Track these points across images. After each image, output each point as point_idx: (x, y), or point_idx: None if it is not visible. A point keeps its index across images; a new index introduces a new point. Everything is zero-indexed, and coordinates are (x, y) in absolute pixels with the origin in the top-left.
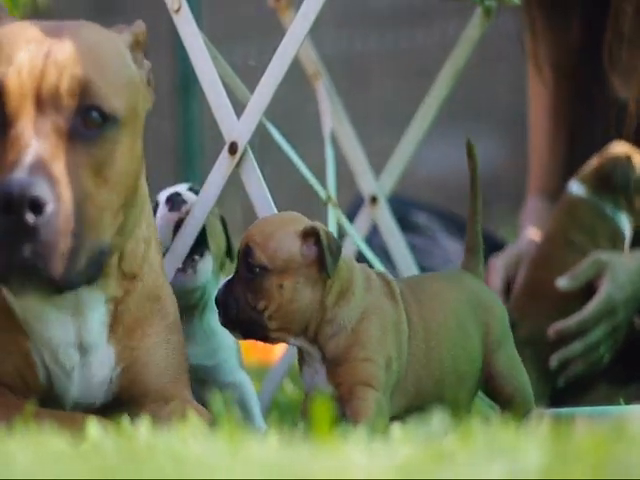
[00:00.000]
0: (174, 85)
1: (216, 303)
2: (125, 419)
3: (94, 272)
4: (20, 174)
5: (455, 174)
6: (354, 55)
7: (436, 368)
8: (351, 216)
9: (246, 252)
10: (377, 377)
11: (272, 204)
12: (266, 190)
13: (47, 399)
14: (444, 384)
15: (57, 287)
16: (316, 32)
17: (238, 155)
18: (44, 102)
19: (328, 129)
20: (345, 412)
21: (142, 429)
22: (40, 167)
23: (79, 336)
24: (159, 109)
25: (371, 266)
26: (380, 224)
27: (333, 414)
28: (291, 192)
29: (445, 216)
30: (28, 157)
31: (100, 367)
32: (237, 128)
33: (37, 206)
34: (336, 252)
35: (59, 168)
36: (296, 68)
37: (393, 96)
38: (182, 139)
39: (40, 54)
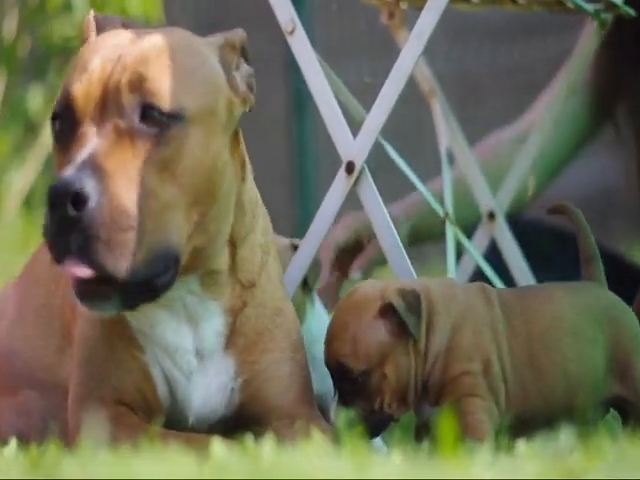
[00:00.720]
0: (288, 105)
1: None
2: (249, 438)
3: (160, 270)
4: (69, 171)
5: (577, 189)
6: (468, 71)
7: (544, 373)
8: (469, 232)
9: (340, 369)
10: (478, 385)
11: (390, 223)
12: (384, 209)
13: (168, 416)
14: (555, 391)
15: (117, 282)
16: (429, 49)
17: (355, 174)
18: (108, 102)
19: (444, 146)
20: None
21: (266, 448)
22: (90, 163)
23: (196, 342)
24: (273, 129)
25: (491, 284)
26: (499, 240)
27: (457, 431)
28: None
29: (557, 232)
30: (82, 155)
31: (217, 374)
32: (354, 147)
33: (79, 201)
34: (416, 309)
35: (112, 164)
36: (410, 86)
37: (508, 112)
38: (297, 159)
39: (113, 58)
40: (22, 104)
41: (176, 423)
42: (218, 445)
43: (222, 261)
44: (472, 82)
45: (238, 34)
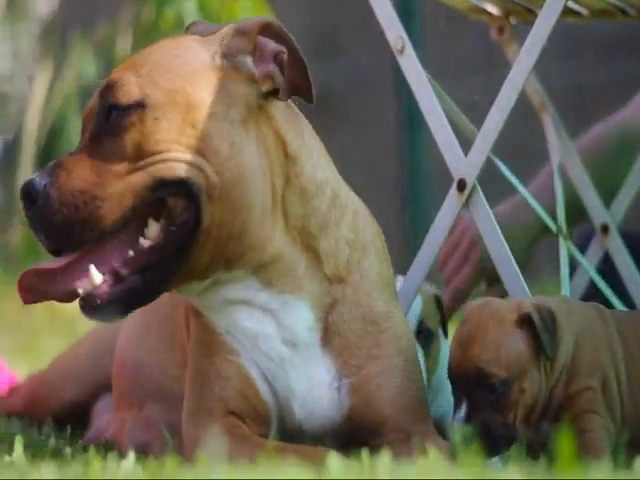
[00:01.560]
0: (399, 122)
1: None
2: (365, 452)
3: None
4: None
5: None
6: (580, 87)
7: None
8: (582, 247)
9: (478, 376)
10: (597, 401)
11: (503, 240)
12: (496, 226)
13: (277, 422)
14: None
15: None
16: (542, 64)
17: (467, 192)
18: (90, 115)
19: (556, 162)
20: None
21: (382, 464)
22: (51, 167)
23: (282, 332)
24: (384, 146)
25: (608, 304)
26: (613, 253)
27: (575, 448)
28: None
29: None
30: (52, 164)
31: (317, 370)
32: (465, 164)
33: (31, 199)
34: (551, 326)
35: (73, 163)
36: (521, 101)
37: None
38: (408, 177)
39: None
40: None
41: (286, 428)
42: (334, 459)
43: (280, 253)
44: (585, 97)
45: (256, 20)
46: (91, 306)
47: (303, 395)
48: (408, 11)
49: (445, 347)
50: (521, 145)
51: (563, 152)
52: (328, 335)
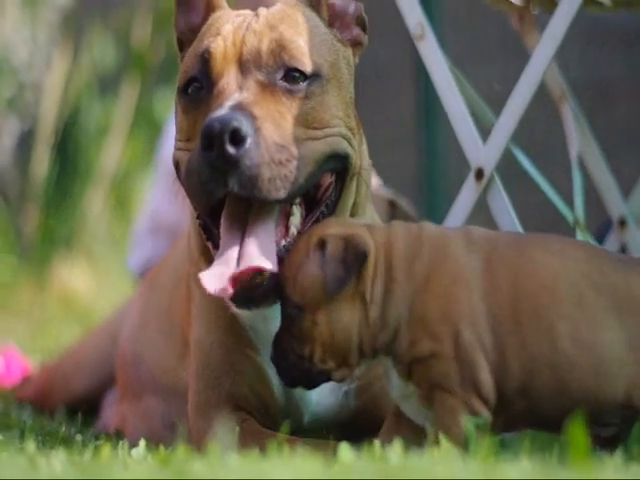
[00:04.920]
0: (417, 111)
1: (272, 362)
2: (377, 443)
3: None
4: (222, 112)
5: None
6: (600, 76)
7: (528, 341)
8: (600, 239)
9: (281, 297)
10: (448, 374)
11: (520, 230)
12: (514, 216)
13: (283, 415)
14: (561, 366)
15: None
16: (561, 55)
17: (484, 181)
18: (246, 63)
19: (575, 152)
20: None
21: (394, 453)
22: (240, 107)
23: None
24: (402, 135)
25: None
26: (630, 246)
27: (589, 439)
28: (538, 216)
29: None
30: (229, 102)
31: None
32: (483, 154)
33: (238, 138)
34: (350, 264)
35: (260, 110)
36: (541, 91)
37: None
38: (426, 166)
39: (242, 26)
40: (152, 109)
41: (292, 426)
42: (346, 449)
43: None
44: (605, 87)
45: None
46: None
47: (315, 399)
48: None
49: None
50: (541, 135)
51: (582, 143)
52: None
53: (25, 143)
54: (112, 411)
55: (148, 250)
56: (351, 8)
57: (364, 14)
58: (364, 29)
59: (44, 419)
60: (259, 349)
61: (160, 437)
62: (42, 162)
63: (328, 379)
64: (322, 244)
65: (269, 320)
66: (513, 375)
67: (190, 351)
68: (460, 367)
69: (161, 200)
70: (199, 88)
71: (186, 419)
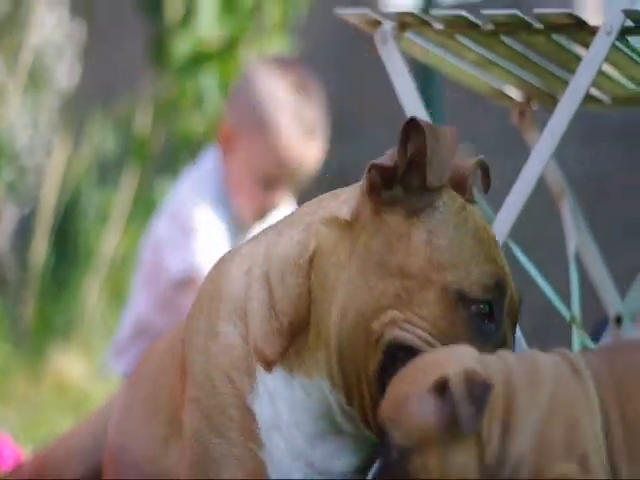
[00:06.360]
0: None
1: None
2: None
3: None
4: None
5: None
6: (598, 173)
7: None
8: (596, 337)
9: (382, 434)
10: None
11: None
12: None
13: None
14: None
15: None
16: (560, 149)
17: None
18: None
19: (572, 248)
20: None
21: None
22: None
23: None
24: None
25: None
26: None
27: None
28: (535, 313)
29: None
30: None
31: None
32: None
33: None
34: (478, 401)
35: None
36: (538, 185)
37: (638, 213)
38: None
39: None
40: (152, 198)
41: None
42: None
43: None
44: (602, 183)
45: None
46: None
47: None
48: (429, 93)
49: None
50: (539, 231)
51: (579, 239)
52: None
53: (24, 228)
54: None
55: (133, 355)
56: None
57: None
58: None
59: None
60: (264, 443)
61: None
62: (40, 248)
63: None
64: (441, 385)
65: (276, 401)
66: None
67: (178, 434)
68: None
69: (150, 309)
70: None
71: None
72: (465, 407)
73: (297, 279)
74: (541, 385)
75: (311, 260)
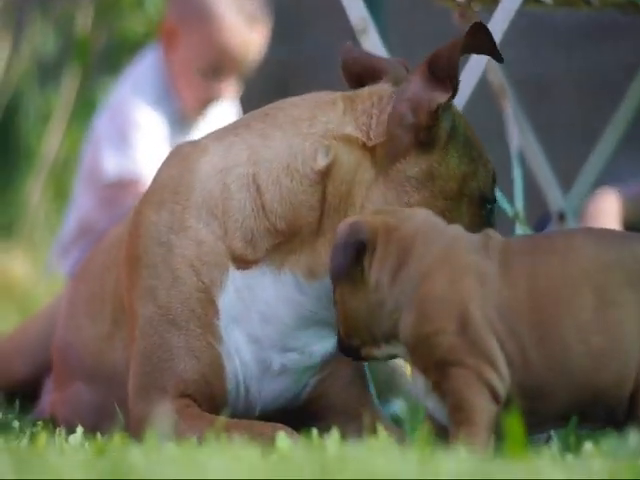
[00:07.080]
0: None
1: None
2: (314, 431)
3: None
4: None
5: None
6: (540, 74)
7: (551, 337)
8: (539, 232)
9: None
10: (456, 347)
11: None
12: None
13: (233, 407)
14: (572, 362)
15: None
16: (502, 50)
17: None
18: None
19: (516, 147)
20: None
21: (331, 442)
22: None
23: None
24: None
25: None
26: None
27: (524, 428)
28: None
29: None
30: None
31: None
32: None
33: None
34: (348, 245)
35: None
36: (480, 85)
37: (580, 114)
38: None
39: None
40: (94, 98)
41: (240, 412)
42: (283, 438)
43: None
44: (545, 84)
45: None
46: None
47: (272, 397)
48: None
49: None
50: (480, 129)
51: (522, 137)
52: None
53: None
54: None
55: (77, 254)
56: None
57: None
58: None
59: None
60: (223, 339)
61: (88, 423)
62: None
63: (358, 355)
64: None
65: (245, 297)
66: (534, 372)
67: (123, 329)
68: (468, 340)
69: (91, 208)
70: None
71: (120, 403)
72: (335, 256)
73: (300, 186)
74: (437, 245)
75: (324, 173)
